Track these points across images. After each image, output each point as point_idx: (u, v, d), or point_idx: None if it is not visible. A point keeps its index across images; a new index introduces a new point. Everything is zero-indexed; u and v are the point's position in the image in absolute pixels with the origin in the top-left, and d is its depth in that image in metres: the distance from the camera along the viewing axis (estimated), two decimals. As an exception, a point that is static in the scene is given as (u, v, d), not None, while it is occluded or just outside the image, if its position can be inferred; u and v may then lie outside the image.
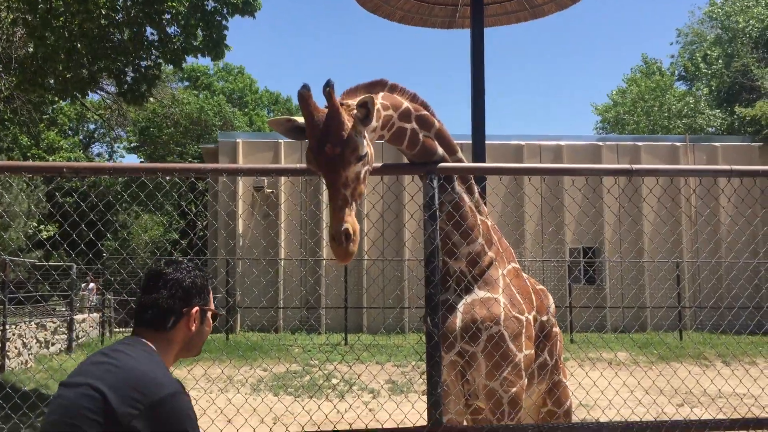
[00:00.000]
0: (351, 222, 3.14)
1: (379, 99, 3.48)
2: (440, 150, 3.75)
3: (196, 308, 2.31)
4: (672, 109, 35.11)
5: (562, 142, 23.46)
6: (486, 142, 10.24)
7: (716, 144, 24.20)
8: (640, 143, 24.05)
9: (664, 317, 19.95)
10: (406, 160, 3.82)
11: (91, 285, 22.20)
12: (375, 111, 3.35)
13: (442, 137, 3.78)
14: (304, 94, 3.18)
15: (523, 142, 23.18)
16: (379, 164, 3.53)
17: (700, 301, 21.21)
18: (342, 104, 3.28)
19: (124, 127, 32.69)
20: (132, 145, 39.28)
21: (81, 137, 41.82)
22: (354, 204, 3.20)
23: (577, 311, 20.30)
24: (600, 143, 24.14)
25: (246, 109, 42.49)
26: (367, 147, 3.29)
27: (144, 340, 2.24)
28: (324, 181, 3.22)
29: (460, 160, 3.86)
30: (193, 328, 2.31)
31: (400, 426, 3.49)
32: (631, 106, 38.11)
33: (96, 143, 42.70)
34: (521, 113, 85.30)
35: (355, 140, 3.19)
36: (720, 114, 32.98)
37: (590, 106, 57.66)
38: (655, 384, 11.10)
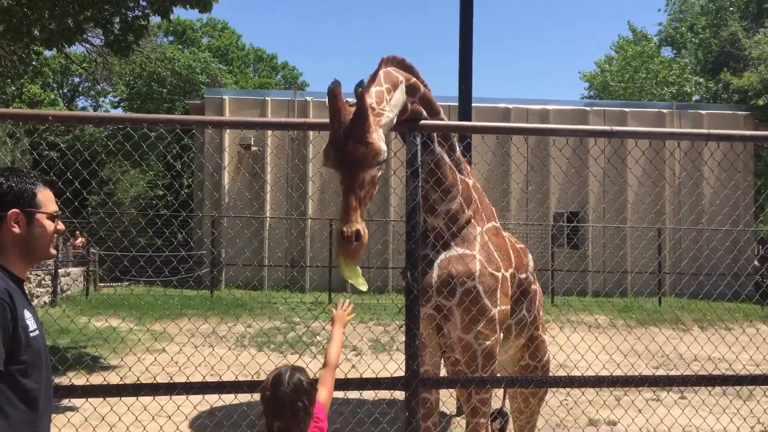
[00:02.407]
0: (362, 224, 3.19)
1: (384, 85, 3.48)
2: (424, 113, 3.80)
3: (14, 211, 2.37)
4: (658, 75, 35.12)
5: (549, 107, 23.50)
6: (473, 105, 10.24)
7: (702, 112, 24.32)
8: (626, 109, 24.14)
9: (644, 284, 20.25)
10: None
11: (78, 240, 22.17)
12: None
13: (426, 100, 3.83)
14: (335, 90, 3.20)
15: (510, 106, 23.18)
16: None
17: (681, 268, 21.53)
18: (370, 107, 3.29)
19: (109, 81, 32.27)
20: (117, 98, 38.80)
21: (65, 91, 41.26)
22: (365, 206, 3.25)
23: (560, 275, 20.55)
24: (587, 108, 24.20)
25: (231, 66, 41.98)
26: (387, 153, 3.32)
27: None
28: (340, 179, 3.23)
29: (442, 120, 3.91)
30: (17, 230, 2.39)
31: (378, 376, 3.59)
32: (618, 72, 38.06)
33: (81, 97, 42.17)
34: (509, 80, 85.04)
35: (379, 145, 3.21)
36: (704, 82, 33.01)
37: (578, 73, 57.47)
38: (634, 349, 11.35)
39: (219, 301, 16.60)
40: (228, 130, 20.88)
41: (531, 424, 4.62)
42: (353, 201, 3.16)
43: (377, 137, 3.21)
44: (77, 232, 22.21)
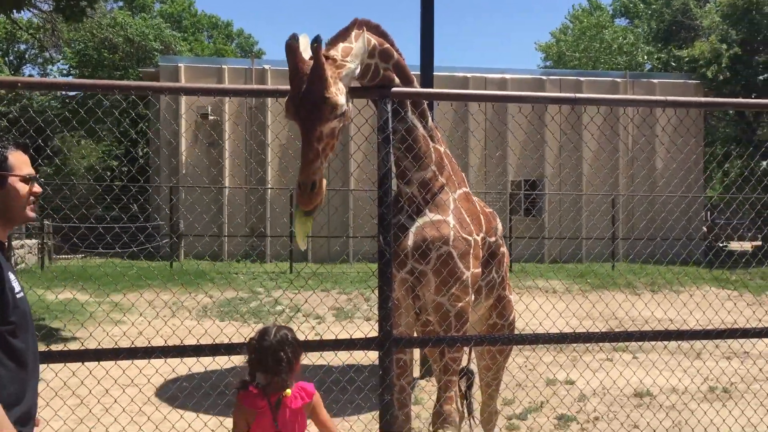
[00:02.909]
0: (319, 175, 3.28)
1: (356, 43, 3.52)
2: (396, 81, 3.85)
3: None
4: (612, 45, 35.61)
5: (507, 75, 23.71)
6: (433, 73, 10.27)
7: (654, 81, 24.85)
8: (582, 78, 24.53)
9: (599, 250, 20.77)
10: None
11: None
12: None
13: (400, 68, 3.88)
14: (292, 44, 3.24)
15: (469, 75, 23.32)
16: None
17: (635, 234, 22.12)
18: (327, 57, 3.34)
19: (58, 49, 31.30)
20: (66, 66, 37.70)
21: (11, 58, 39.89)
22: (325, 157, 3.32)
23: (515, 242, 20.93)
24: (543, 77, 24.51)
25: (185, 33, 41.10)
26: (346, 105, 3.36)
27: None
28: (300, 131, 3.29)
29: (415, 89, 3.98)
30: None
31: (353, 337, 3.70)
32: (574, 42, 38.48)
33: (27, 65, 40.85)
34: (467, 51, 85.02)
35: (335, 98, 3.26)
36: (656, 52, 33.59)
37: (534, 44, 57.85)
38: (589, 314, 11.69)
39: (179, 272, 16.50)
40: (185, 99, 20.55)
41: (497, 380, 4.81)
42: (311, 154, 3.25)
43: (335, 91, 3.27)
44: None
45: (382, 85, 3.74)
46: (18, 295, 2.40)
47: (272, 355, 2.98)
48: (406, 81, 3.91)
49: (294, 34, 3.28)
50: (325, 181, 3.33)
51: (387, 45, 3.77)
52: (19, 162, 2.49)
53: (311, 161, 3.25)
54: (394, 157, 3.84)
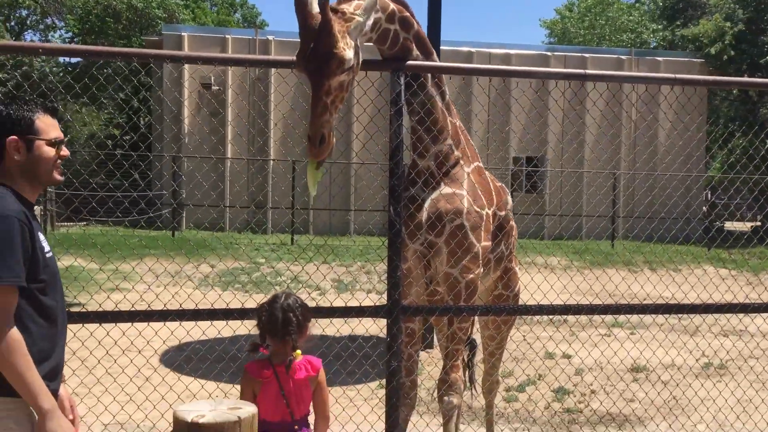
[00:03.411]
0: (328, 128, 3.34)
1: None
2: (416, 51, 3.88)
3: (12, 138, 2.46)
4: (617, 22, 35.38)
5: (511, 51, 23.61)
6: (440, 48, 10.27)
7: (659, 59, 24.75)
8: (587, 55, 24.41)
9: (600, 227, 20.86)
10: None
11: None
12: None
13: (420, 39, 3.92)
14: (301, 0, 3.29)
15: (473, 49, 23.21)
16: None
17: (636, 213, 22.20)
18: (336, 11, 3.38)
19: (60, 15, 31.10)
20: (68, 34, 37.43)
21: (12, 24, 39.59)
22: (334, 110, 3.38)
23: (516, 218, 20.98)
24: (548, 53, 24.37)
25: (188, 2, 40.73)
26: (354, 57, 3.40)
27: None
28: (309, 86, 3.35)
29: (435, 62, 4.03)
30: (18, 157, 2.47)
31: (362, 305, 3.79)
32: (578, 19, 38.21)
33: (29, 31, 40.56)
34: (470, 26, 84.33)
35: (342, 53, 3.30)
36: (661, 30, 33.38)
37: (538, 20, 57.42)
38: (591, 289, 11.81)
39: (182, 241, 16.59)
40: (187, 68, 20.49)
41: (501, 350, 4.92)
42: (319, 107, 3.32)
43: (343, 45, 3.31)
44: None
45: (399, 57, 3.78)
46: (48, 255, 2.49)
47: (282, 318, 3.05)
48: (427, 53, 3.95)
49: None
50: (333, 135, 3.40)
51: (407, 13, 3.81)
52: (47, 125, 2.55)
53: (320, 114, 3.32)
54: (414, 132, 3.90)
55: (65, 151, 2.60)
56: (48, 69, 31.94)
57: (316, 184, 3.54)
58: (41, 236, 2.48)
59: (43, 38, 40.58)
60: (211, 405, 2.59)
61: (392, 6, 3.73)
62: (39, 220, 17.64)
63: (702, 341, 8.34)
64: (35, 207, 2.71)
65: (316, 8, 3.32)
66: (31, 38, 40.62)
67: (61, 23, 36.57)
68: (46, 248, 2.49)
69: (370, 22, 3.54)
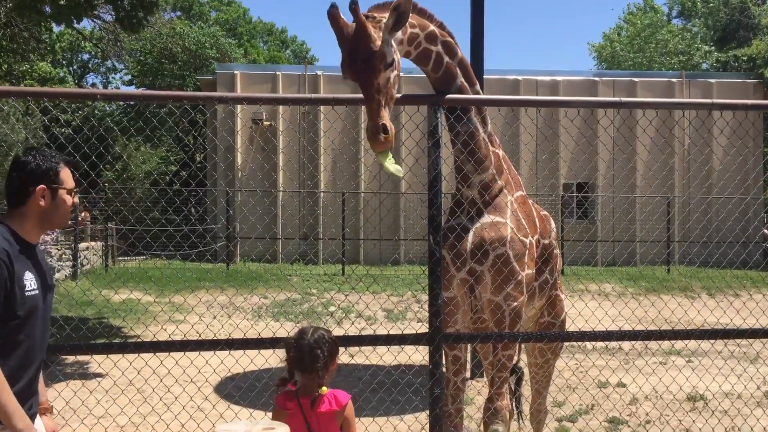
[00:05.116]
0: (386, 119, 3.51)
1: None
2: (460, 78, 4.01)
3: (41, 187, 2.74)
4: (668, 45, 34.90)
5: (558, 78, 23.52)
6: (484, 76, 10.35)
7: (712, 81, 24.28)
8: (636, 79, 24.12)
9: (654, 253, 20.42)
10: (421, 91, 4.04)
11: (83, 214, 22.46)
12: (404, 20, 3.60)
13: (464, 67, 4.05)
14: (333, 12, 3.50)
15: (520, 77, 23.21)
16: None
17: (690, 237, 21.67)
18: (368, 17, 3.57)
19: (119, 58, 32.38)
20: (127, 77, 38.89)
21: (75, 68, 41.37)
22: (388, 107, 3.56)
23: (568, 245, 20.75)
24: (596, 79, 24.20)
25: (240, 41, 41.91)
26: (395, 54, 3.59)
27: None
28: (360, 88, 3.55)
29: (478, 93, 4.13)
30: (43, 204, 2.76)
31: (404, 333, 3.84)
32: (628, 43, 37.84)
33: (90, 74, 42.30)
34: (517, 53, 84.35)
35: (382, 50, 3.50)
36: (716, 52, 32.81)
37: (587, 45, 57.05)
38: (645, 316, 11.56)
39: (235, 274, 16.91)
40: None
41: (547, 378, 4.89)
42: (374, 104, 3.51)
43: (380, 43, 3.51)
44: (82, 206, 22.48)
45: (445, 82, 3.94)
46: (29, 293, 2.70)
47: (309, 354, 3.09)
48: (470, 81, 4.07)
49: (333, 2, 3.51)
50: (393, 127, 3.55)
51: (450, 39, 3.96)
52: (67, 176, 2.88)
53: (376, 109, 3.50)
54: (457, 162, 4.01)
55: (76, 199, 2.94)
56: (108, 109, 33.21)
57: (393, 164, 3.64)
58: (28, 275, 2.70)
59: (104, 80, 42.29)
60: (247, 425, 2.76)
61: (433, 27, 3.89)
62: (101, 255, 18.08)
63: (763, 368, 8.10)
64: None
65: (348, 19, 3.53)
66: (93, 80, 42.38)
67: (120, 65, 38.04)
68: (29, 286, 2.70)
69: (404, 36, 3.70)
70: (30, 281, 2.71)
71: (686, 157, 23.28)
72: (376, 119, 3.48)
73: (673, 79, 24.24)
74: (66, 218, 2.89)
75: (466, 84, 4.02)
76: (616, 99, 3.78)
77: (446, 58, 3.92)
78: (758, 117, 22.86)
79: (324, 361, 3.10)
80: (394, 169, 3.62)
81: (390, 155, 3.62)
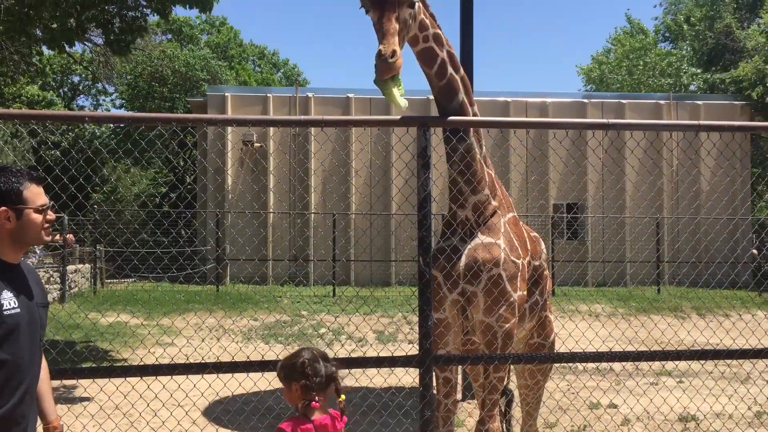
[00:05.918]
0: (396, 47, 3.50)
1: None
2: (462, 94, 4.04)
3: (2, 209, 2.71)
4: (656, 67, 35.30)
5: (547, 99, 23.69)
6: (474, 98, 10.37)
7: (699, 102, 24.53)
8: (624, 101, 24.34)
9: (643, 274, 20.48)
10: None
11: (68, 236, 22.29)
12: None
13: (466, 85, 4.09)
14: None
15: (509, 99, 23.37)
16: (377, 117, 3.79)
17: (679, 258, 21.76)
18: None
19: (110, 80, 32.45)
20: (117, 100, 38.91)
21: (65, 90, 41.36)
22: (401, 42, 3.57)
23: (558, 265, 20.78)
24: (585, 100, 24.39)
25: (231, 63, 42.05)
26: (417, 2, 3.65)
27: None
28: (375, 20, 3.58)
29: (476, 114, 4.16)
30: (8, 226, 2.73)
31: (394, 355, 3.82)
32: (616, 65, 38.24)
33: (81, 96, 42.30)
34: (506, 75, 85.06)
35: None
36: (702, 74, 33.19)
37: (575, 67, 57.68)
38: (635, 337, 11.57)
39: (224, 296, 16.82)
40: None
41: (537, 400, 4.87)
42: (390, 29, 3.51)
43: None
44: (69, 230, 22.34)
45: (448, 92, 3.99)
46: (7, 312, 2.67)
47: (326, 371, 3.01)
48: (470, 102, 4.12)
49: None
50: (401, 57, 3.54)
51: (455, 53, 4.03)
52: (34, 195, 2.81)
53: (390, 34, 3.50)
54: (451, 182, 4.01)
55: (51, 215, 2.87)
56: (98, 131, 33.19)
57: (401, 97, 3.61)
58: (6, 294, 2.67)
59: (95, 102, 42.29)
60: None
61: (441, 32, 3.94)
62: (89, 278, 17.95)
63: (753, 388, 8.10)
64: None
65: None
66: (83, 103, 42.40)
67: (111, 88, 38.09)
68: (6, 305, 2.67)
69: (418, 16, 3.75)
70: (9, 300, 2.67)
71: (674, 178, 23.44)
72: (388, 43, 3.47)
73: (661, 101, 24.47)
74: (38, 236, 2.83)
75: (467, 102, 4.04)
76: (605, 120, 3.81)
77: (450, 69, 3.95)
78: (745, 138, 23.11)
79: (337, 387, 3.05)
80: (400, 101, 3.59)
81: (400, 82, 3.60)
